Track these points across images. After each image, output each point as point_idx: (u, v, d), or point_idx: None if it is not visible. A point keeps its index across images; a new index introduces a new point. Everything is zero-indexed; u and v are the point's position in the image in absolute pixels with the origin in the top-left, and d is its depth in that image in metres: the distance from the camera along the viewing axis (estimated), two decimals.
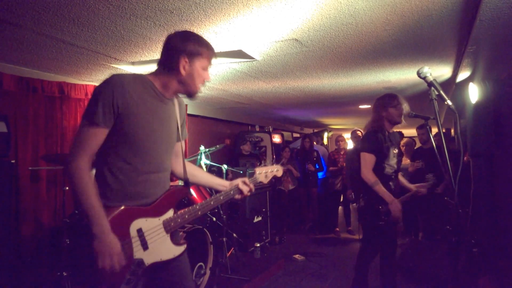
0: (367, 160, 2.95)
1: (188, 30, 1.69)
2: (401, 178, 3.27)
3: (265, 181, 2.11)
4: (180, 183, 4.07)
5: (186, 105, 5.49)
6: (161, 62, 1.63)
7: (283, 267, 4.58)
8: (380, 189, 2.87)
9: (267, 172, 2.11)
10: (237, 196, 1.90)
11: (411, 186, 3.21)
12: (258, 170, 2.08)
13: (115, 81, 1.48)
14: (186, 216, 1.68)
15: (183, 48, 1.58)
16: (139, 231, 1.52)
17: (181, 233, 3.09)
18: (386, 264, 3.12)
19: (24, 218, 3.57)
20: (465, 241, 3.11)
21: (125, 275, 1.46)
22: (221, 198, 1.84)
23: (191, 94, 1.68)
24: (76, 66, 3.66)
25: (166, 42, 1.62)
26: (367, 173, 2.92)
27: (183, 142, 1.88)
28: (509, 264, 2.97)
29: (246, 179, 1.92)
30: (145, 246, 1.53)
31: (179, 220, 1.65)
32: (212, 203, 1.79)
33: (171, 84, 1.62)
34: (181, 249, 1.67)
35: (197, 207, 1.72)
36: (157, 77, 1.62)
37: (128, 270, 1.47)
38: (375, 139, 2.95)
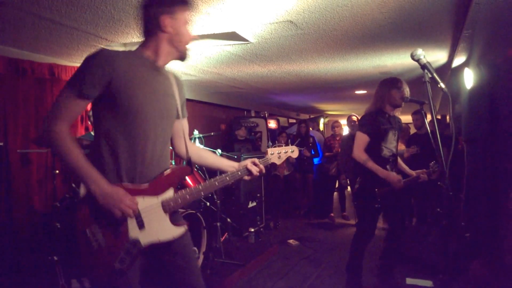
0: (360, 139, 2.98)
1: None
2: (401, 163, 3.27)
3: (278, 162, 1.95)
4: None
5: None
6: (145, 30, 1.59)
7: (278, 252, 4.60)
8: (373, 165, 2.89)
9: (280, 152, 1.95)
10: (246, 177, 1.80)
11: (412, 172, 3.21)
12: (270, 150, 1.93)
13: (104, 53, 1.45)
14: (188, 197, 1.62)
15: (159, 5, 1.54)
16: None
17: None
18: (388, 246, 3.14)
19: (16, 202, 3.54)
20: (456, 224, 3.13)
21: (119, 253, 1.44)
22: (228, 178, 1.74)
23: (182, 53, 1.64)
24: (66, 47, 3.58)
25: (143, 9, 1.58)
26: (358, 152, 2.95)
27: (184, 121, 1.84)
28: (500, 248, 2.99)
29: (256, 160, 1.82)
30: (141, 225, 1.50)
31: (179, 200, 1.60)
32: (217, 183, 1.70)
33: (161, 48, 1.58)
34: (180, 230, 1.61)
35: (200, 187, 1.65)
36: (146, 46, 1.59)
37: (122, 248, 1.45)
38: (371, 120, 2.96)
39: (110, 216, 1.43)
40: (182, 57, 1.66)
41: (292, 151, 2.00)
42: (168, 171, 1.62)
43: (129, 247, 1.46)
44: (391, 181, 2.85)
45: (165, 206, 1.56)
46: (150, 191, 1.54)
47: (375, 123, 2.95)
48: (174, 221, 1.61)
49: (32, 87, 3.74)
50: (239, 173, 1.77)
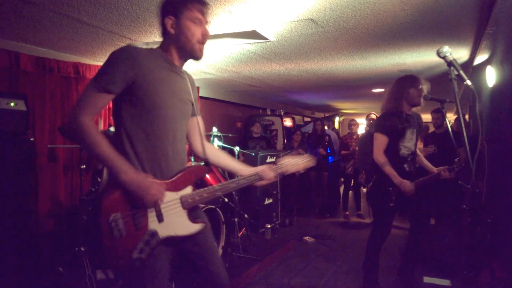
0: (379, 141, 2.97)
1: None
2: (423, 159, 3.25)
3: (293, 170, 1.98)
4: (193, 163, 4.12)
5: (198, 87, 5.51)
6: (161, 32, 1.66)
7: (294, 248, 4.64)
8: (389, 170, 2.88)
9: (297, 161, 1.97)
10: (259, 183, 1.85)
11: (433, 168, 3.17)
12: (286, 158, 1.96)
13: (130, 50, 1.51)
14: (205, 195, 1.68)
15: (165, 7, 1.60)
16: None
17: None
18: (410, 244, 3.13)
19: (42, 195, 3.66)
20: (480, 221, 3.10)
21: (138, 243, 1.49)
22: (241, 182, 1.81)
23: (192, 54, 1.66)
24: (91, 46, 3.68)
25: (158, 12, 1.65)
26: (378, 154, 2.95)
27: (199, 118, 1.89)
28: None
29: (272, 167, 1.87)
30: (160, 218, 1.55)
31: (197, 198, 1.65)
32: (232, 185, 1.77)
33: (172, 50, 1.64)
34: (197, 227, 1.65)
35: (217, 187, 1.72)
36: (163, 46, 1.66)
37: (141, 239, 1.50)
38: (389, 120, 2.95)
39: (138, 203, 1.47)
40: (192, 56, 1.67)
41: (309, 161, 2.01)
42: (188, 169, 1.67)
43: (148, 238, 1.51)
44: (403, 190, 2.84)
45: (184, 202, 1.61)
46: (170, 187, 1.59)
47: (392, 123, 2.93)
48: (193, 217, 1.66)
49: (58, 84, 3.86)
50: (254, 177, 1.83)
